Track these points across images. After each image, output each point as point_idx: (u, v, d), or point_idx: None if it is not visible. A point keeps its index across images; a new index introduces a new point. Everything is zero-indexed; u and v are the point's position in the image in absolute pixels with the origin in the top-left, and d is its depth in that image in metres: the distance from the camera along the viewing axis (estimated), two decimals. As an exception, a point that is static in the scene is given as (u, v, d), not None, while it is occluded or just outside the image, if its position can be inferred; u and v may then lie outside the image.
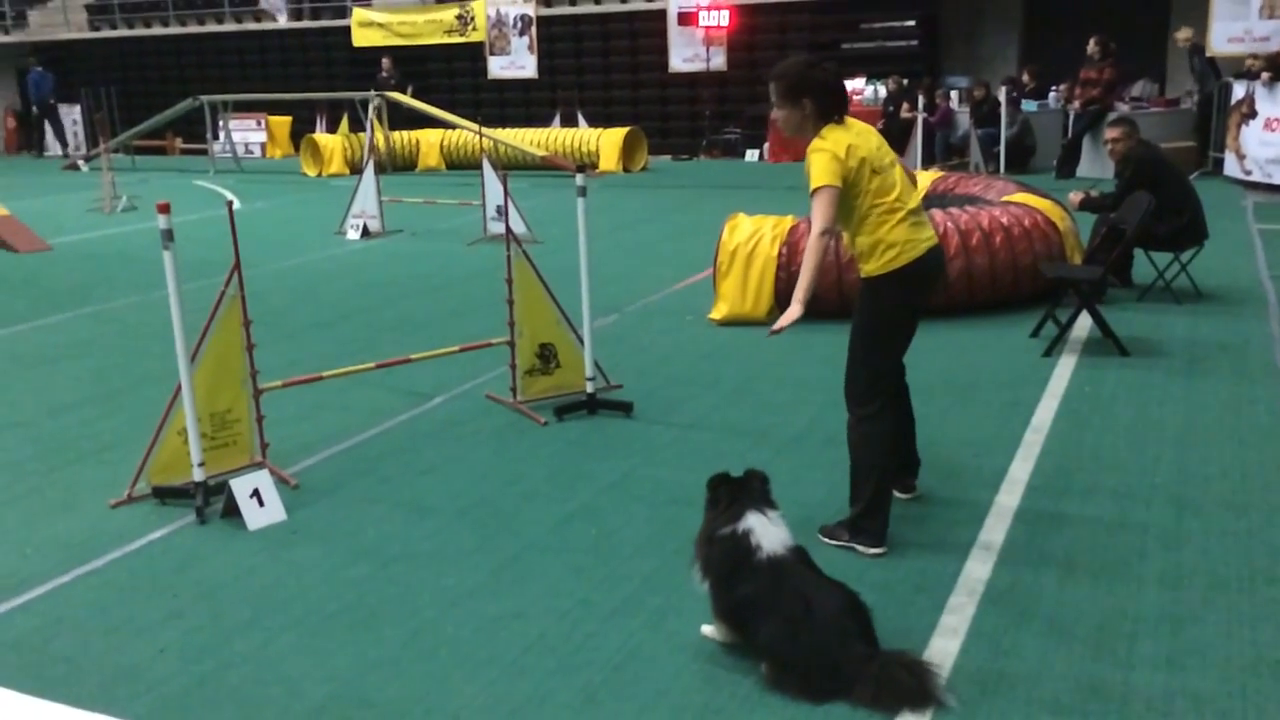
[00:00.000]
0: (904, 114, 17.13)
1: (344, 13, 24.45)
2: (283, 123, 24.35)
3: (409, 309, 8.72)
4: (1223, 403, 5.72)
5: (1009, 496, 4.62)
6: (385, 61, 21.16)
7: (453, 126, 19.15)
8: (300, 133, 22.06)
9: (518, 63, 22.61)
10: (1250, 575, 3.87)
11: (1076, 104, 15.57)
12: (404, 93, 19.88)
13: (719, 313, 7.77)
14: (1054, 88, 16.77)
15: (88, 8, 28.05)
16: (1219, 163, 14.54)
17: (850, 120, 4.12)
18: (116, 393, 6.59)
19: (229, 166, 21.11)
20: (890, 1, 19.52)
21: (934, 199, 9.54)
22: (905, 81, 17.78)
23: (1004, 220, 7.74)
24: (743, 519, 3.40)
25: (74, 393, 6.62)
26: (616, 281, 9.26)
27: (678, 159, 20.79)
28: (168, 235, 4.45)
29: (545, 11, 22.37)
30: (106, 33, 27.59)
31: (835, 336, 6.64)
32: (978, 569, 3.98)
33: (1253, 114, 13.54)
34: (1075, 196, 8.15)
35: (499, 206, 6.00)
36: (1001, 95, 15.70)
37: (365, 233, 12.36)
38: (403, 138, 20.40)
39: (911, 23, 19.54)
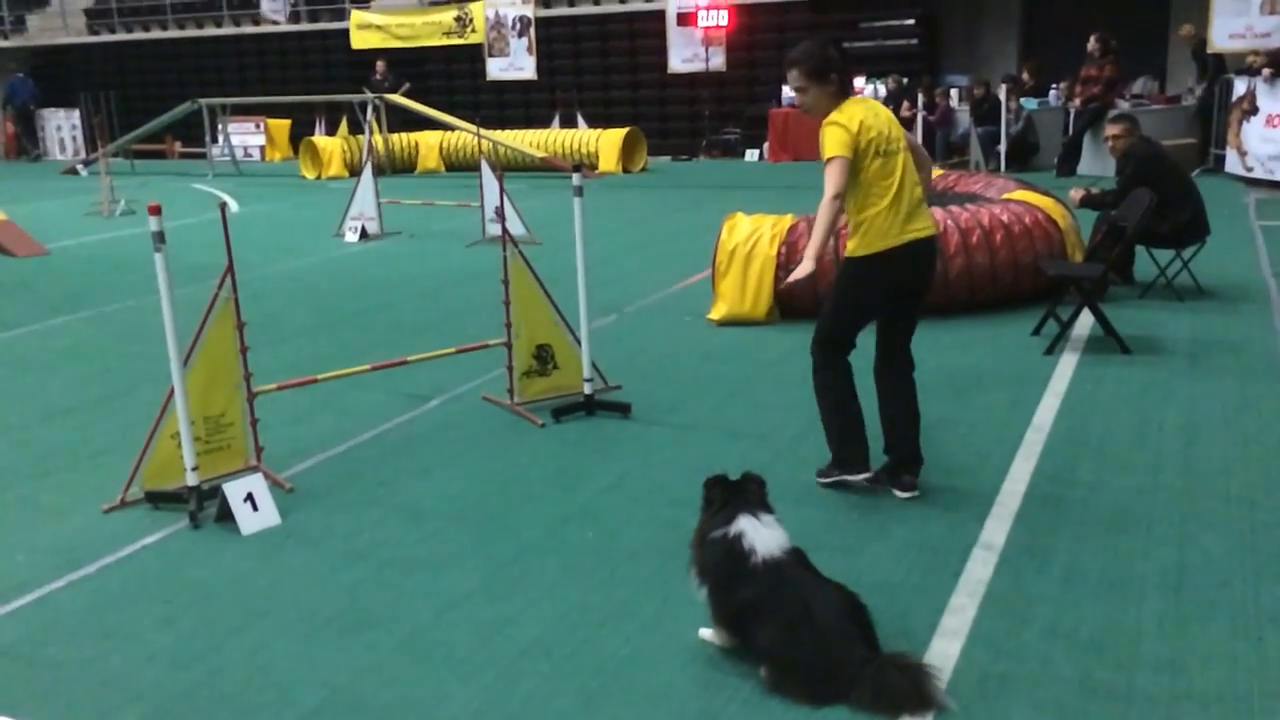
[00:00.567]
0: (904, 113, 17.07)
1: (343, 15, 24.43)
2: (282, 126, 24.33)
3: (407, 311, 8.67)
4: (1226, 401, 5.67)
5: (1010, 496, 4.57)
6: (380, 64, 21.12)
7: (451, 128, 19.11)
8: (299, 136, 22.04)
9: (516, 64, 22.57)
10: (1256, 575, 3.82)
11: (1077, 101, 15.52)
12: (400, 93, 19.84)
13: (718, 313, 7.73)
14: (1054, 85, 16.73)
15: (87, 12, 28.05)
16: (1220, 159, 14.49)
17: (866, 99, 4.45)
18: (112, 397, 6.56)
19: (228, 170, 21.08)
20: (889, 0, 19.48)
21: (934, 198, 9.49)
22: (905, 80, 17.74)
23: (1004, 218, 7.69)
24: (734, 522, 3.36)
25: (69, 397, 6.59)
26: (615, 282, 9.22)
27: (677, 159, 20.76)
28: (159, 237, 4.41)
29: (544, 13, 22.34)
30: (105, 37, 27.58)
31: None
32: (979, 570, 3.93)
33: (1254, 110, 13.49)
34: (1076, 194, 8.10)
35: (497, 208, 5.97)
36: (1002, 93, 15.65)
37: (364, 235, 12.33)
38: (402, 140, 20.37)
39: (911, 21, 19.50)
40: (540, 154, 18.37)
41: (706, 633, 3.52)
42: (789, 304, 7.61)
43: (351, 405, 6.13)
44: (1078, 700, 3.13)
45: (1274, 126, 13.22)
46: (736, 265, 7.60)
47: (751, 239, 7.59)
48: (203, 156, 22.01)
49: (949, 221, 7.60)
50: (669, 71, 21.30)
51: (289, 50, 25.53)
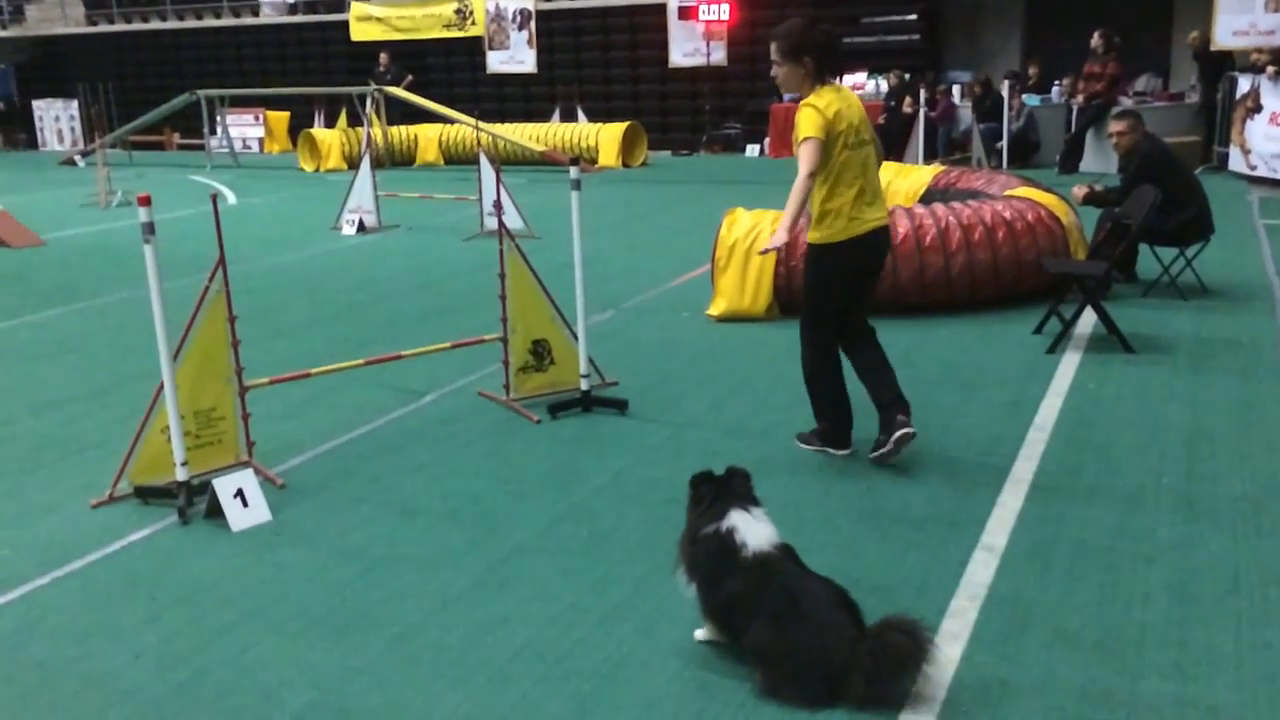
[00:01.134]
0: (905, 109, 16.98)
1: (342, 7, 24.30)
2: (280, 118, 24.22)
3: (403, 305, 8.60)
4: (1230, 400, 5.60)
5: (1012, 497, 4.50)
6: (383, 56, 21.03)
7: (451, 121, 19.02)
8: (298, 128, 21.94)
9: (517, 57, 22.45)
10: (1262, 579, 3.75)
11: (1080, 98, 15.43)
12: (403, 85, 19.75)
13: (717, 309, 7.66)
14: (1057, 82, 16.64)
15: (85, 2, 27.93)
16: (1224, 157, 14.41)
17: (844, 88, 4.64)
18: (103, 390, 6.48)
19: (226, 162, 20.99)
20: (892, -5, 19.39)
21: (936, 194, 9.43)
22: (907, 76, 17.64)
23: (1006, 215, 7.62)
24: (726, 517, 3.31)
25: (60, 389, 6.51)
26: (613, 277, 9.14)
27: (678, 154, 20.66)
28: (149, 229, 4.33)
29: (544, 6, 22.23)
30: (104, 27, 27.47)
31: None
32: (980, 572, 3.86)
33: (1258, 108, 13.41)
34: (1080, 191, 8.03)
35: (496, 201, 5.90)
36: (1004, 89, 15.56)
37: (361, 228, 12.25)
38: (401, 133, 20.27)
39: (913, 17, 19.41)
40: (540, 148, 18.28)
41: (701, 633, 3.46)
42: (789, 300, 7.54)
43: (345, 400, 6.06)
44: (1082, 706, 3.07)
45: (1278, 124, 13.14)
46: (736, 261, 7.52)
47: (751, 234, 7.51)
48: (201, 148, 21.92)
49: (950, 218, 7.52)
50: (670, 66, 21.19)
51: (288, 42, 25.42)
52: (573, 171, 5.55)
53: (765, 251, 4.55)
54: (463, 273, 9.76)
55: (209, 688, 3.33)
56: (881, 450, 4.78)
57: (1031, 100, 16.32)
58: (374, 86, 18.67)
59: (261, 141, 24.19)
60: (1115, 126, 7.98)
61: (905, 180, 10.17)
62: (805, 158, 4.42)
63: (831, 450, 4.98)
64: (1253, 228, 10.57)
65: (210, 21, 26.28)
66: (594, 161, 18.34)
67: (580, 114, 20.83)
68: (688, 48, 20.89)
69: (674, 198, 14.69)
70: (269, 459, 5.10)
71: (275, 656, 3.49)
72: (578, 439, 5.40)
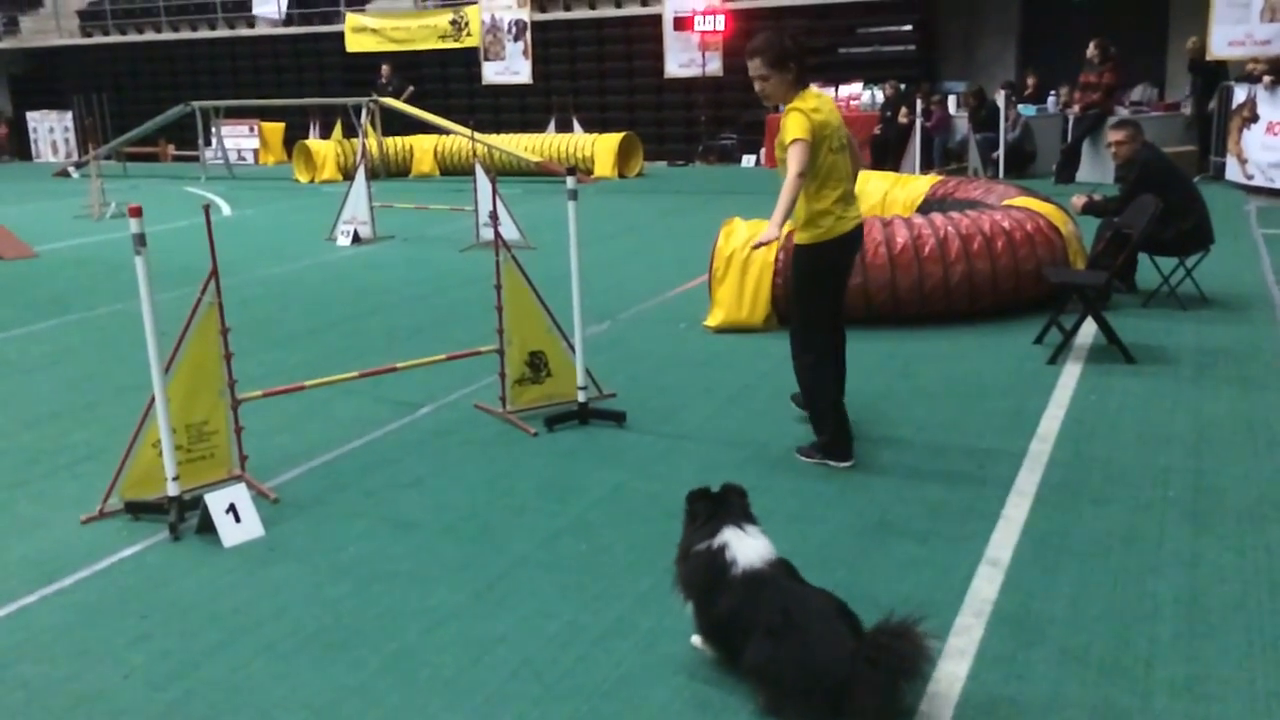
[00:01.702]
0: (901, 119, 16.99)
1: (337, 18, 24.30)
2: (276, 129, 24.20)
3: (398, 316, 8.54)
4: (1234, 411, 5.55)
5: (1016, 510, 4.44)
6: (385, 68, 21.00)
7: (446, 132, 18.99)
8: (293, 139, 21.90)
9: (512, 68, 22.46)
10: (1271, 593, 3.70)
11: (1076, 108, 15.44)
12: (404, 97, 19.72)
13: (714, 319, 7.60)
14: (1053, 92, 16.65)
15: (80, 14, 27.91)
16: (1220, 167, 14.40)
17: (823, 93, 4.83)
18: (95, 403, 6.41)
19: (221, 173, 20.94)
20: (886, 6, 19.40)
21: (933, 203, 9.39)
22: (903, 86, 17.64)
23: (1005, 225, 7.58)
24: (718, 534, 3.26)
25: (51, 403, 6.44)
26: (610, 288, 9.09)
27: (673, 164, 20.65)
28: (140, 240, 4.27)
29: (540, 17, 22.24)
30: (98, 39, 27.44)
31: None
32: (985, 588, 3.80)
33: (1254, 118, 13.41)
34: (1078, 200, 7.99)
35: (491, 212, 5.85)
36: (1000, 100, 15.56)
37: (356, 239, 12.20)
38: (396, 143, 20.25)
39: (908, 27, 19.43)
40: (535, 158, 18.25)
41: (697, 640, 3.41)
42: (787, 310, 7.48)
43: (340, 413, 5.99)
44: (1091, 726, 3.01)
45: (1274, 134, 13.14)
46: (734, 271, 7.47)
47: (749, 245, 7.46)
48: (196, 159, 21.88)
49: (949, 228, 7.48)
50: (665, 76, 21.19)
51: (283, 53, 25.39)
52: (569, 182, 5.49)
53: (758, 245, 4.58)
54: (458, 284, 9.70)
55: (199, 708, 3.26)
56: (818, 454, 5.01)
57: (1027, 110, 16.32)
58: (370, 97, 18.62)
59: (256, 153, 24.16)
60: (1114, 136, 7.95)
61: (903, 190, 10.13)
62: (795, 158, 4.54)
63: (832, 463, 4.97)
64: (1251, 237, 10.54)
65: (205, 33, 26.26)
66: (590, 172, 18.31)
67: (576, 124, 20.81)
68: (683, 58, 20.89)
69: (670, 208, 14.65)
70: (262, 473, 5.03)
71: (267, 676, 3.42)
72: (575, 452, 5.34)
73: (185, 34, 26.47)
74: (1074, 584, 3.80)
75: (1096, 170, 14.82)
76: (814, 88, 4.81)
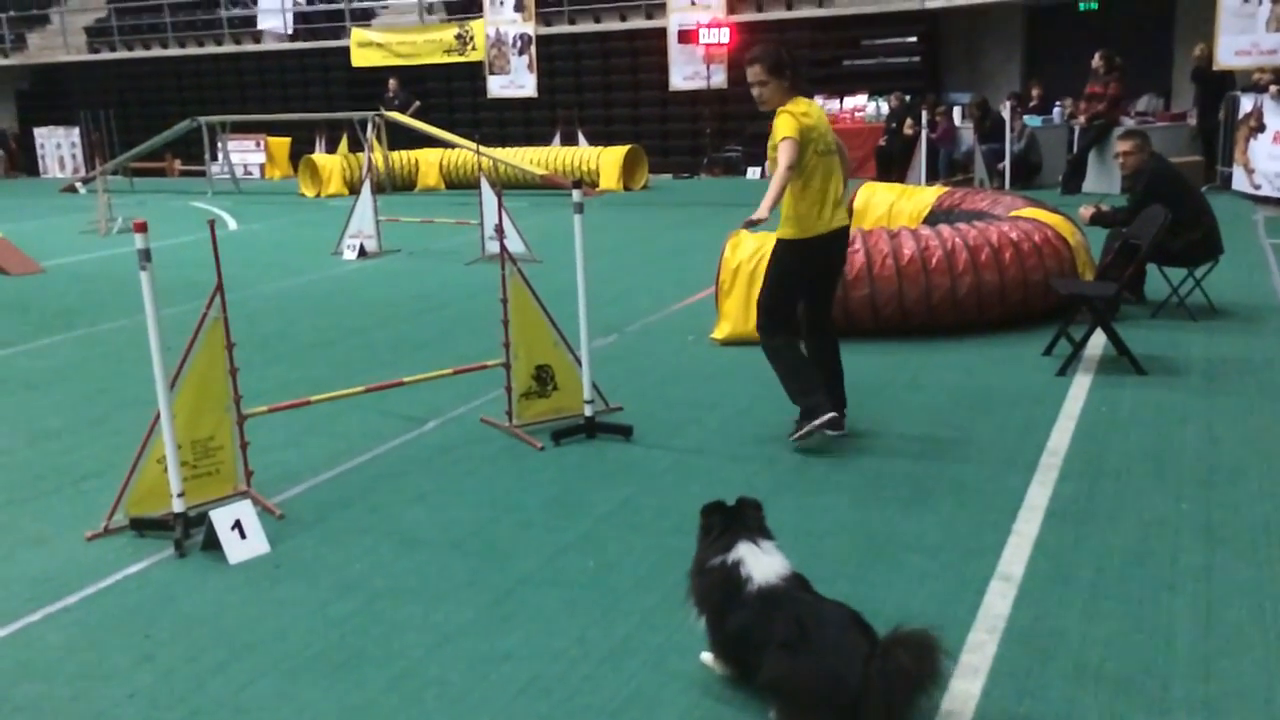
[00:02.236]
0: (906, 130, 16.97)
1: (343, 33, 24.38)
2: (281, 143, 24.26)
3: (404, 330, 8.52)
4: (1247, 422, 5.50)
5: (1027, 524, 4.39)
6: (392, 82, 21.05)
7: (451, 146, 19.02)
8: (299, 153, 21.95)
9: (517, 82, 22.50)
10: (1288, 608, 3.65)
11: (1081, 119, 15.41)
12: (411, 111, 19.76)
13: (721, 332, 7.57)
14: (1058, 103, 16.63)
15: (87, 30, 28.03)
16: (1227, 177, 14.36)
17: (813, 102, 5.17)
18: (100, 419, 6.39)
19: (227, 188, 20.99)
20: (891, 18, 19.42)
21: (941, 215, 9.36)
22: (908, 98, 17.63)
23: (1013, 236, 7.54)
24: (733, 549, 3.21)
25: (56, 419, 6.42)
26: (616, 301, 9.06)
27: (679, 177, 20.65)
28: (145, 255, 4.25)
29: (545, 30, 22.29)
30: (105, 55, 27.55)
31: (844, 357, 6.43)
32: (997, 603, 3.76)
33: (1261, 127, 13.37)
34: (1086, 211, 7.95)
35: (497, 225, 5.85)
36: (1005, 111, 15.54)
37: (362, 253, 12.20)
38: (402, 157, 20.28)
39: (913, 39, 19.44)
40: (541, 171, 18.26)
41: (707, 657, 3.36)
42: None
43: (345, 428, 5.96)
44: (1108, 745, 2.96)
45: (1281, 143, 13.09)
46: (740, 284, 7.44)
47: (755, 257, 7.43)
48: (202, 174, 21.93)
49: (957, 239, 7.45)
50: (670, 89, 21.21)
51: (289, 68, 25.48)
52: (575, 195, 5.48)
53: (748, 224, 4.91)
54: (464, 297, 9.68)
55: (204, 729, 3.23)
56: (836, 421, 5.26)
57: (1033, 121, 16.30)
58: (376, 111, 18.66)
59: (263, 167, 24.22)
60: (1122, 146, 7.92)
61: (909, 201, 10.10)
62: (785, 153, 4.92)
63: (819, 422, 5.15)
64: (1259, 247, 10.50)
65: (211, 49, 26.36)
66: (595, 185, 18.32)
67: (581, 138, 20.83)
68: (688, 71, 20.91)
69: (676, 221, 14.64)
70: (267, 489, 5.00)
71: (272, 695, 3.38)
72: (582, 466, 5.30)
73: (192, 49, 26.57)
74: (1088, 599, 3.76)
75: (1102, 181, 14.79)
76: (805, 99, 5.16)
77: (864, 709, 2.87)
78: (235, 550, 4.35)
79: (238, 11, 26.27)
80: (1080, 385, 6.24)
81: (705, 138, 20.89)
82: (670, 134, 21.62)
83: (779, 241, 5.26)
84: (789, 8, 20.47)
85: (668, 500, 4.81)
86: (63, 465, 5.61)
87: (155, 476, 4.59)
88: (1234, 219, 11.56)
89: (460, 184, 19.75)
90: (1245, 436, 5.31)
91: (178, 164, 24.91)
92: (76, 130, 25.86)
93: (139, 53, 27.19)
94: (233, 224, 15.92)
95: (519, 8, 22.06)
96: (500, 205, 6.32)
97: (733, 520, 3.33)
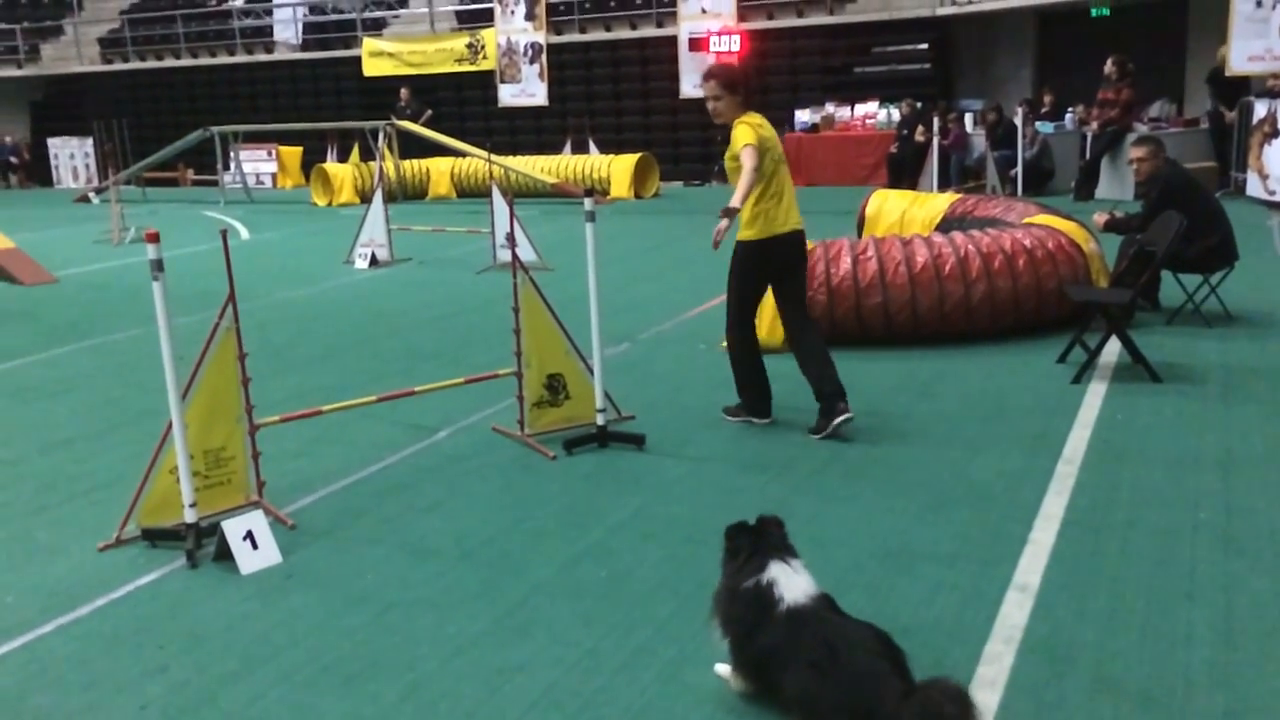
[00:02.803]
0: (918, 137, 16.94)
1: (354, 43, 24.47)
2: (293, 153, 24.34)
3: (416, 339, 8.52)
4: (1265, 430, 5.45)
5: (1044, 534, 4.36)
6: (404, 91, 21.11)
7: (463, 154, 19.06)
8: (311, 163, 22.02)
9: (528, 90, 22.56)
10: (1309, 619, 3.60)
11: (1094, 125, 15.36)
12: (422, 120, 19.81)
13: (733, 340, 7.53)
14: (1070, 109, 16.58)
15: (100, 41, 28.20)
16: (1242, 183, 14.28)
17: (761, 116, 5.56)
18: (113, 429, 6.40)
19: (239, 197, 21.06)
20: (902, 25, 19.40)
21: (953, 222, 9.32)
22: (919, 105, 17.60)
23: (1027, 243, 7.50)
24: (766, 570, 3.16)
25: (70, 428, 6.43)
26: (628, 309, 9.05)
27: (690, 185, 20.65)
28: (157, 266, 4.26)
29: (555, 39, 22.33)
30: (118, 65, 27.71)
31: (855, 365, 6.43)
32: (1014, 613, 3.72)
33: (1275, 133, 13.29)
34: (1100, 217, 7.91)
35: (508, 233, 5.86)
36: (1018, 117, 15.50)
37: (373, 261, 12.22)
38: (413, 166, 20.32)
39: (924, 46, 19.41)
40: (552, 180, 18.28)
41: (723, 669, 3.32)
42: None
43: (357, 437, 5.96)
44: (1128, 759, 2.92)
45: (1296, 149, 13.02)
46: (752, 292, 7.41)
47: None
48: (215, 184, 22.02)
49: (969, 246, 7.41)
50: (681, 97, 21.23)
51: (301, 77, 25.58)
52: (587, 203, 5.46)
53: (724, 213, 5.17)
54: (476, 306, 9.68)
55: (216, 741, 3.21)
56: (821, 432, 5.54)
57: (1045, 127, 16.24)
58: (388, 121, 18.71)
59: (274, 177, 24.30)
60: (1136, 152, 7.88)
61: (921, 209, 10.07)
62: (749, 158, 5.29)
63: (754, 420, 5.78)
64: (1276, 252, 10.43)
65: (224, 59, 26.49)
66: (606, 193, 18.32)
67: (592, 146, 20.85)
68: (699, 79, 20.86)
69: (687, 228, 14.62)
70: (279, 498, 5.00)
71: (284, 707, 3.37)
72: (595, 475, 5.28)
73: (204, 60, 26.71)
74: (1106, 610, 3.72)
75: (1115, 187, 14.73)
76: (756, 113, 5.57)
77: None
78: (247, 561, 4.34)
79: (250, 22, 26.39)
80: (1095, 393, 6.19)
81: (716, 145, 20.85)
82: (681, 141, 21.63)
83: (743, 245, 5.60)
84: (800, 15, 20.46)
85: (681, 509, 4.79)
86: (75, 475, 5.62)
87: (167, 487, 4.59)
88: (1249, 224, 11.47)
89: (472, 192, 19.79)
90: (1263, 444, 5.26)
91: (190, 174, 25.02)
92: (90, 140, 25.99)
93: (152, 63, 27.35)
94: (245, 233, 15.97)
95: (530, 16, 22.13)
96: (511, 213, 6.31)
97: (760, 540, 3.28)
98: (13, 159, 27.86)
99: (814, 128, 19.47)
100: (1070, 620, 3.66)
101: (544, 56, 22.20)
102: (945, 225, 9.34)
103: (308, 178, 21.40)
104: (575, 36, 22.49)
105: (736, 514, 3.49)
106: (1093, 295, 6.97)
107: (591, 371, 5.69)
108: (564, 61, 22.35)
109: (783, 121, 20.02)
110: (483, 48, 22.62)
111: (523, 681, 3.44)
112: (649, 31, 21.77)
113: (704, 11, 20.49)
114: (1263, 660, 3.37)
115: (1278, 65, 13.88)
